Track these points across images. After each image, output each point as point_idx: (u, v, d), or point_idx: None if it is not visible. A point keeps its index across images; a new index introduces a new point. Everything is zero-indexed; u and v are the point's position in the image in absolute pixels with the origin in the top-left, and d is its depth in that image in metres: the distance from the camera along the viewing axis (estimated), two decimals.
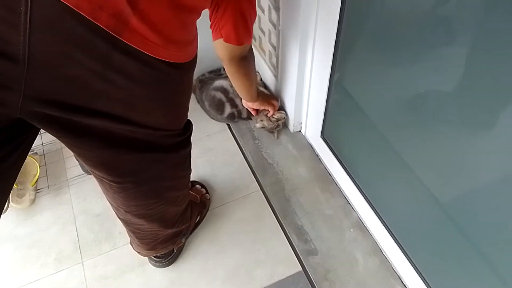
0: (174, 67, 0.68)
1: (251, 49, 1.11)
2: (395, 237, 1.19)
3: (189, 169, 1.01)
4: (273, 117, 1.48)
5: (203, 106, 1.63)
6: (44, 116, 0.62)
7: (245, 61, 1.07)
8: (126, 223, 1.02)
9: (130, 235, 1.11)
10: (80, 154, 0.75)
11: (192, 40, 0.72)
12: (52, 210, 1.41)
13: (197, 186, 1.39)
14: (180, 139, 0.86)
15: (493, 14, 0.67)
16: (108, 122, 0.67)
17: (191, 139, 0.94)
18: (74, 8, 0.52)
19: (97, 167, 0.78)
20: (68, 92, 0.61)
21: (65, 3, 0.51)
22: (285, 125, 1.57)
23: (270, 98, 1.48)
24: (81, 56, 0.57)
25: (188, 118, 0.91)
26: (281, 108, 1.54)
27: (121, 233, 1.31)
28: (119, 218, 1.01)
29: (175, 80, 0.72)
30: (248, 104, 1.45)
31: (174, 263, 1.25)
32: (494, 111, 0.75)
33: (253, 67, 1.17)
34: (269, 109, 1.46)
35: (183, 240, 1.21)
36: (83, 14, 0.53)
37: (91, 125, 0.67)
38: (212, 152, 1.54)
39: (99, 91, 0.62)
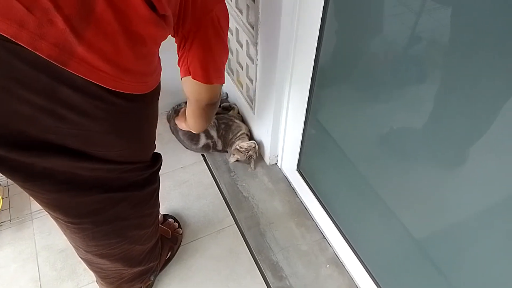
0: (131, 99, 0.65)
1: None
2: (371, 274, 1.17)
3: (155, 206, 0.96)
4: (241, 147, 1.47)
5: (177, 136, 1.60)
6: None
7: (212, 107, 0.98)
8: (87, 262, 0.97)
9: (94, 274, 1.04)
10: (34, 196, 0.71)
11: (152, 71, 0.69)
12: (13, 246, 1.32)
13: (170, 220, 1.35)
14: (147, 174, 0.83)
15: (461, 54, 0.69)
16: (65, 161, 0.64)
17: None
18: (12, 39, 0.49)
19: (51, 208, 0.74)
20: (14, 129, 0.58)
21: (2, 34, 0.49)
22: (260, 155, 1.56)
23: None
24: (23, 91, 0.54)
25: (159, 152, 0.88)
26: (257, 140, 1.55)
27: (85, 271, 1.23)
28: (80, 257, 0.95)
29: (135, 113, 0.69)
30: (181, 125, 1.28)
31: None
32: (464, 149, 0.76)
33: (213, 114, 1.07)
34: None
35: (152, 278, 1.15)
36: (22, 44, 0.50)
37: (46, 168, 0.64)
38: (186, 184, 1.50)
39: (49, 127, 0.59)
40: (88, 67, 0.55)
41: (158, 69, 0.72)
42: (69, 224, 0.78)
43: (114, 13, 0.55)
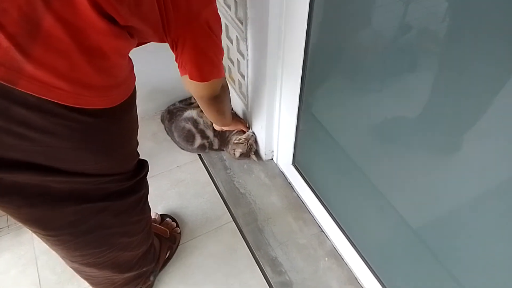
0: (96, 115, 0.62)
1: (225, 87, 1.04)
2: (369, 265, 1.17)
3: (144, 213, 0.92)
4: (240, 139, 1.48)
5: (172, 137, 1.59)
6: None
7: (216, 100, 1.00)
8: (76, 270, 0.94)
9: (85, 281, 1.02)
10: (7, 211, 0.69)
11: (119, 84, 0.65)
12: (12, 251, 1.32)
13: (167, 219, 1.34)
14: (130, 183, 0.79)
15: (451, 42, 0.69)
16: (35, 175, 0.62)
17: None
18: None
19: (26, 223, 0.71)
20: None
21: None
22: (256, 150, 1.56)
23: (240, 120, 1.52)
24: None
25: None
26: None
27: None
28: (68, 265, 0.92)
29: (105, 128, 0.66)
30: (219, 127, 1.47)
31: None
32: (457, 136, 0.76)
33: (226, 104, 1.12)
34: (242, 129, 1.50)
35: (151, 279, 1.15)
36: None
37: (16, 182, 0.62)
38: (182, 183, 1.50)
39: (10, 146, 0.58)
40: (40, 84, 0.54)
41: (128, 80, 0.69)
42: (48, 237, 0.75)
43: (64, 28, 0.53)
